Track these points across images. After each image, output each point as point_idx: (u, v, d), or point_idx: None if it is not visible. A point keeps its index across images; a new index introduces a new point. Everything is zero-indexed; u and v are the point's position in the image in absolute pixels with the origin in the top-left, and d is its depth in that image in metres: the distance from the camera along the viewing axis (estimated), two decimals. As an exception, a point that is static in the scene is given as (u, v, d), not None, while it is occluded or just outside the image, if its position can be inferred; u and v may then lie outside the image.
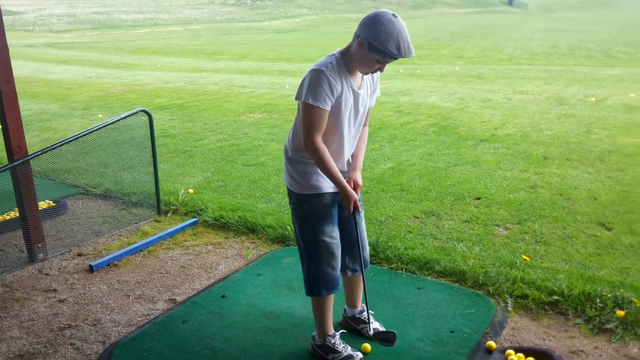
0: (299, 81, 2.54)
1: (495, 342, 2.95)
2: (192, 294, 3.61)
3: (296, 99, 2.50)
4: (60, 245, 4.38)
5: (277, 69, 16.66)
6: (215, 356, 2.94)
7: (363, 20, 2.39)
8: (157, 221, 4.83)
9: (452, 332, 3.09)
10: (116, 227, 4.71)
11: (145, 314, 3.39)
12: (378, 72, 2.53)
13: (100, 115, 9.59)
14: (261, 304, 3.39)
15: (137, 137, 5.38)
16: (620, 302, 3.19)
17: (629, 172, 5.61)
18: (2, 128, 4.00)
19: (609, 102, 9.40)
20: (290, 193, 2.72)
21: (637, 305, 3.13)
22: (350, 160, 2.76)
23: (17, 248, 4.35)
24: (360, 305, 3.13)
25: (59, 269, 4.02)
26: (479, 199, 5.05)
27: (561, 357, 2.81)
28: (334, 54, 2.49)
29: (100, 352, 3.00)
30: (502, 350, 2.89)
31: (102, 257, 4.14)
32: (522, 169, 5.85)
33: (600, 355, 2.87)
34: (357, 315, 3.10)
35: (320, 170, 2.56)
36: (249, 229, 4.55)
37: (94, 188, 5.71)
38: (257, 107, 10.09)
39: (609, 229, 4.32)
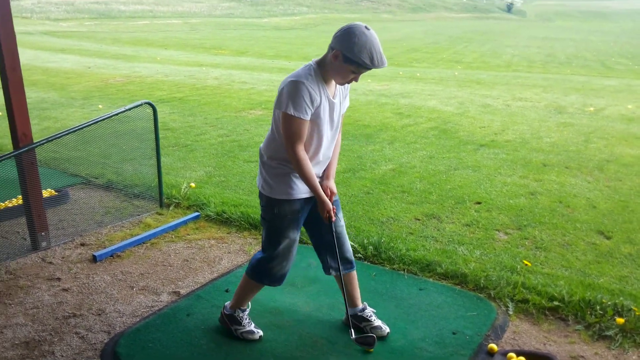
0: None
1: (497, 345, 3.00)
2: (196, 287, 3.63)
3: (276, 109, 2.61)
4: (63, 234, 4.39)
5: (276, 66, 16.66)
6: (219, 350, 2.96)
7: (337, 33, 2.51)
8: (160, 214, 4.84)
9: (454, 333, 3.13)
10: (118, 218, 4.71)
11: (150, 305, 3.40)
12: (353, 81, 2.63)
13: (100, 106, 9.56)
14: (264, 299, 3.41)
15: (137, 129, 5.38)
16: (619, 309, 3.24)
17: (627, 182, 5.68)
18: (8, 115, 3.99)
19: (607, 112, 9.48)
20: (261, 195, 2.83)
21: (637, 313, 3.18)
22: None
23: (20, 235, 4.35)
24: (361, 303, 3.16)
25: (62, 258, 4.02)
26: (479, 203, 5.10)
27: (562, 362, 2.86)
28: (310, 65, 2.60)
29: (105, 341, 3.02)
30: (504, 353, 2.93)
31: (105, 247, 4.15)
32: (522, 175, 5.90)
33: (600, 361, 2.92)
34: (359, 313, 3.13)
35: (301, 178, 2.67)
36: (251, 225, 4.57)
37: (96, 178, 5.71)
38: (257, 103, 10.11)
39: (608, 238, 4.38)
